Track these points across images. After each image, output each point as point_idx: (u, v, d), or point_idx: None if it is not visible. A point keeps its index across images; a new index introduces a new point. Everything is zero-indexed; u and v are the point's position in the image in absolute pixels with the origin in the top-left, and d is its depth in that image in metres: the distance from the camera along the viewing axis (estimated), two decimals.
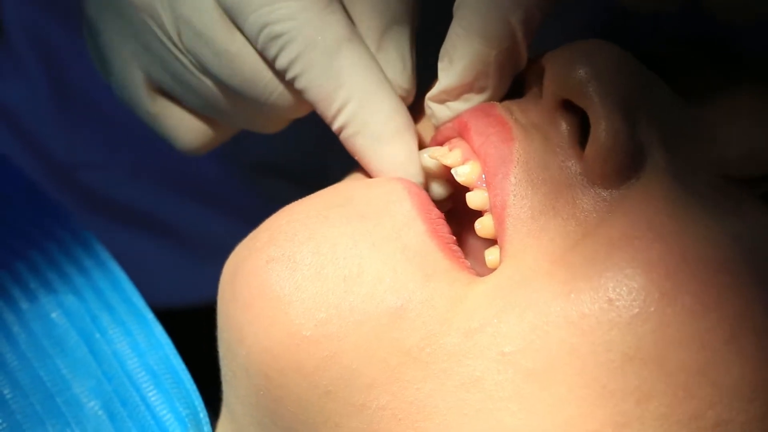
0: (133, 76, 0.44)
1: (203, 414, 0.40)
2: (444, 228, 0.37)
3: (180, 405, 0.40)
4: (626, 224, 0.34)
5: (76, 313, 0.42)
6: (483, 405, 0.34)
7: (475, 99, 0.39)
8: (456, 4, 0.38)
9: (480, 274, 0.37)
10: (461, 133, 0.38)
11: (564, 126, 0.37)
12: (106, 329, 0.42)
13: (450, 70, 0.38)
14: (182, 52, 0.41)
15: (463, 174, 0.38)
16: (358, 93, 0.39)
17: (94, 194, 0.68)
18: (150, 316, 0.42)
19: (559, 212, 0.36)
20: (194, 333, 0.43)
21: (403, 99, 0.40)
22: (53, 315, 0.42)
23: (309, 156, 0.62)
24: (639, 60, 0.37)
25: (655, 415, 0.33)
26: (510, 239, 0.36)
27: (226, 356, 0.39)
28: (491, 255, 0.37)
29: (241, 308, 0.37)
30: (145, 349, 0.41)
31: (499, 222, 0.36)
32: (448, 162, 0.39)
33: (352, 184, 0.39)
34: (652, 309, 0.33)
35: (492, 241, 0.37)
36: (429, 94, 0.39)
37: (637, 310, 0.33)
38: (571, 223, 0.35)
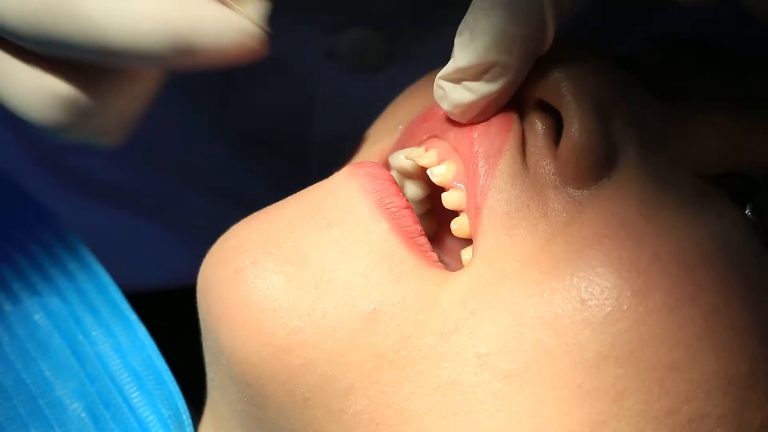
0: None
1: (186, 415, 0.40)
2: (408, 219, 0.37)
3: (163, 406, 0.40)
4: (598, 223, 0.35)
5: (60, 315, 0.43)
6: (460, 407, 0.34)
7: (498, 82, 0.36)
8: None
9: (452, 269, 0.37)
10: (442, 130, 0.38)
11: (539, 126, 0.37)
12: (89, 331, 0.42)
13: (470, 47, 0.35)
14: None
15: (438, 174, 0.38)
16: (119, 25, 0.33)
17: (81, 176, 0.68)
18: (133, 317, 0.43)
19: (531, 211, 0.36)
20: (181, 312, 0.43)
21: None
22: (36, 317, 0.42)
23: (293, 125, 0.62)
24: (615, 61, 0.38)
25: (632, 412, 0.33)
26: (483, 235, 0.36)
27: (211, 363, 0.39)
28: (467, 255, 0.37)
29: (216, 319, 0.37)
30: (128, 350, 0.42)
31: (476, 215, 0.36)
32: (424, 162, 0.38)
33: (315, 190, 0.39)
34: (625, 307, 0.33)
35: (468, 242, 0.37)
36: (442, 73, 0.36)
37: (609, 309, 0.33)
38: (541, 222, 0.35)
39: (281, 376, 0.35)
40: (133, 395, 0.40)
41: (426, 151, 0.39)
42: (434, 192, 0.40)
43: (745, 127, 0.38)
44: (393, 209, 0.37)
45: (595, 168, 0.36)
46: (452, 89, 0.37)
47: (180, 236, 0.69)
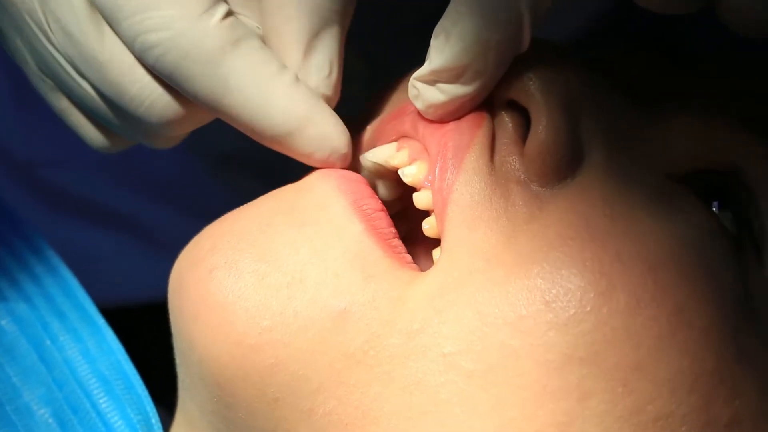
0: (32, 72, 0.42)
1: (155, 419, 0.40)
2: (383, 221, 0.37)
3: (131, 411, 0.40)
4: (562, 224, 0.35)
5: (27, 320, 0.42)
6: (427, 407, 0.34)
7: (472, 85, 0.36)
8: None
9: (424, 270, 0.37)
10: (413, 128, 0.38)
11: (509, 124, 0.37)
12: (56, 336, 0.42)
13: (445, 49, 0.36)
14: (58, 51, 0.39)
15: (410, 174, 0.38)
16: (248, 98, 0.37)
17: (54, 191, 0.68)
18: (101, 321, 0.42)
19: (494, 205, 0.36)
20: (157, 329, 0.43)
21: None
22: (3, 323, 0.42)
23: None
24: (588, 62, 0.38)
25: (597, 412, 0.33)
26: (448, 230, 0.36)
27: (181, 364, 0.39)
28: (438, 254, 0.37)
29: (188, 318, 0.37)
30: (96, 355, 0.41)
31: (442, 209, 0.36)
32: (395, 163, 0.39)
33: (290, 189, 0.39)
34: (588, 309, 0.33)
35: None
36: (417, 74, 0.37)
37: (573, 310, 0.33)
38: (502, 218, 0.36)
39: (252, 375, 0.35)
40: (101, 400, 0.40)
41: (397, 151, 0.39)
42: (406, 192, 0.40)
43: (713, 128, 0.38)
44: (368, 211, 0.37)
45: (561, 166, 0.36)
46: (426, 89, 0.37)
47: (155, 252, 0.69)
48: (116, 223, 0.69)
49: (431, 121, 0.38)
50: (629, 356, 0.33)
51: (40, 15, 0.38)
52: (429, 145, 0.38)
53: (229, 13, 0.37)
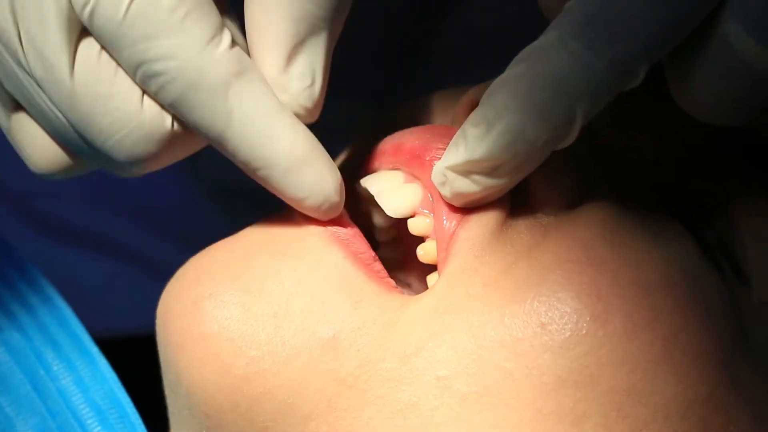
0: None
1: None
2: (360, 245, 0.37)
3: None
4: (561, 248, 0.35)
5: (21, 350, 0.42)
6: (420, 430, 0.34)
7: (506, 178, 0.35)
8: (506, 79, 0.34)
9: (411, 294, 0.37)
10: (415, 157, 0.38)
11: None
12: (50, 365, 0.42)
13: (486, 141, 0.34)
14: (26, 71, 0.36)
15: (419, 228, 0.38)
16: (251, 131, 0.35)
17: (50, 222, 0.68)
18: (95, 350, 0.42)
19: (495, 234, 0.36)
20: (151, 359, 0.43)
21: (305, 116, 0.36)
22: None
23: None
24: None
25: None
26: (453, 259, 0.36)
27: (170, 396, 0.39)
28: (433, 280, 0.38)
29: (174, 349, 0.37)
30: (90, 384, 0.41)
31: (448, 242, 0.36)
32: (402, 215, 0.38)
33: (272, 220, 0.39)
34: (584, 332, 0.33)
35: (435, 267, 0.38)
36: (449, 162, 0.35)
37: (569, 333, 0.33)
38: (506, 245, 0.36)
39: (241, 405, 0.35)
40: (95, 430, 0.40)
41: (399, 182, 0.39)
42: (400, 219, 0.40)
43: (694, 162, 0.38)
44: (342, 236, 0.37)
45: (563, 194, 0.36)
46: (456, 179, 0.35)
47: (152, 281, 0.69)
48: (112, 252, 0.69)
49: (423, 161, 0.38)
50: (624, 380, 0.33)
51: (12, 31, 0.35)
52: (422, 177, 0.38)
53: (234, 42, 0.36)
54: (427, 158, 0.37)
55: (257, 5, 0.36)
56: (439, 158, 0.36)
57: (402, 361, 0.34)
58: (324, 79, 0.36)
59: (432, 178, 0.36)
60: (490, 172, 0.34)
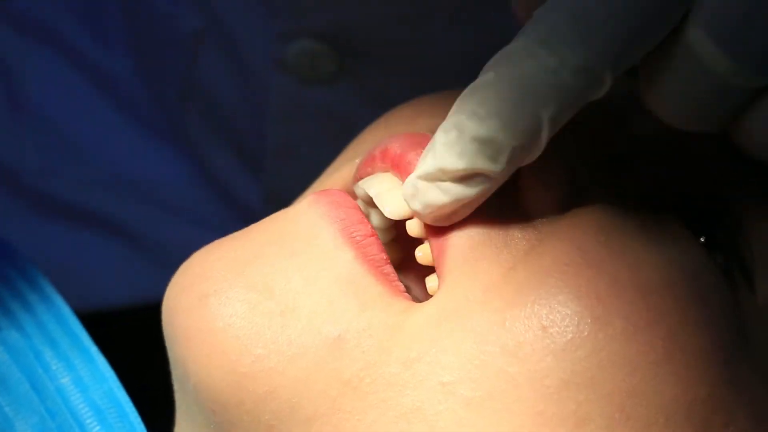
0: None
1: None
2: (374, 248, 0.37)
3: None
4: (558, 251, 0.35)
5: (19, 349, 0.42)
6: None
7: (478, 187, 0.34)
8: (475, 86, 0.34)
9: (418, 298, 0.37)
10: (396, 165, 0.38)
11: None
12: (48, 364, 0.42)
13: (456, 149, 0.34)
14: None
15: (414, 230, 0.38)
16: None
17: (44, 198, 0.68)
18: (94, 349, 0.42)
19: (493, 240, 0.36)
20: (148, 331, 0.43)
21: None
22: None
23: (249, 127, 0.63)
24: None
25: None
26: (449, 267, 0.36)
27: (179, 390, 0.39)
28: (431, 282, 0.38)
29: (181, 344, 0.37)
30: (89, 383, 0.41)
31: (439, 250, 0.36)
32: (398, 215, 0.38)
33: (280, 218, 0.39)
34: (585, 334, 0.33)
35: (433, 269, 0.38)
36: (421, 171, 0.35)
37: (570, 335, 0.33)
38: (503, 251, 0.36)
39: (246, 402, 0.35)
40: (94, 429, 0.40)
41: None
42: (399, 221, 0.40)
43: (692, 162, 0.38)
44: (358, 238, 0.37)
45: (559, 198, 0.36)
46: (427, 188, 0.35)
47: (146, 255, 0.69)
48: (109, 230, 0.69)
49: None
50: (626, 382, 0.33)
51: None
52: None
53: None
54: (408, 164, 0.37)
55: None
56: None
57: (406, 366, 0.34)
58: None
59: (402, 191, 0.36)
60: (460, 179, 0.34)
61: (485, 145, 0.33)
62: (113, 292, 0.68)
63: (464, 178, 0.34)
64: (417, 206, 0.35)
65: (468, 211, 0.36)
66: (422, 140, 0.37)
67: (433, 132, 0.35)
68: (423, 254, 0.37)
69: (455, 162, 0.34)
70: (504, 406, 0.33)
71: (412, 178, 0.35)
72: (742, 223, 0.37)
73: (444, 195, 0.35)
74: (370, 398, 0.34)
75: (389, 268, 0.37)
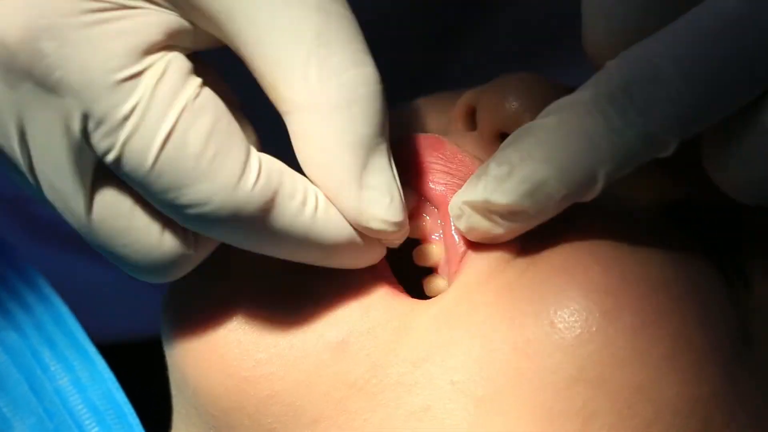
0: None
1: None
2: None
3: None
4: (566, 252, 0.35)
5: (18, 350, 0.42)
6: None
7: (522, 222, 0.35)
8: (535, 127, 0.33)
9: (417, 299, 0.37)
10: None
11: None
12: (47, 365, 0.41)
13: (506, 185, 0.33)
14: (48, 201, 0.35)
15: (429, 256, 0.38)
16: (298, 241, 0.34)
17: (48, 226, 0.68)
18: (92, 350, 0.42)
19: (510, 248, 0.36)
20: (151, 364, 0.43)
21: (399, 233, 0.35)
22: None
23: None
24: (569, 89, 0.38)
25: None
26: (465, 272, 0.36)
27: (177, 395, 0.39)
28: (431, 284, 0.38)
29: (181, 351, 0.37)
30: (88, 384, 0.41)
31: (454, 253, 0.36)
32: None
33: None
34: (594, 329, 0.33)
35: (426, 269, 0.38)
36: (467, 197, 0.35)
37: (579, 331, 0.33)
38: (513, 254, 0.36)
39: (247, 407, 0.35)
40: (93, 430, 0.40)
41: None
42: None
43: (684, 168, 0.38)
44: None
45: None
46: (473, 215, 0.35)
47: (153, 287, 0.69)
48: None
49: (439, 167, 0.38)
50: (633, 377, 0.33)
51: (24, 167, 0.34)
52: (429, 192, 0.38)
53: (260, 161, 0.33)
54: (419, 166, 0.38)
55: (310, 145, 0.34)
56: (429, 171, 0.37)
57: (414, 366, 0.34)
58: (398, 187, 0.35)
59: (449, 209, 0.36)
60: (506, 215, 0.34)
61: (537, 188, 0.33)
62: (123, 323, 0.67)
63: (511, 214, 0.34)
64: (462, 227, 0.36)
65: (506, 239, 0.36)
66: (435, 143, 0.38)
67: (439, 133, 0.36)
68: (424, 255, 0.38)
69: (502, 198, 0.34)
70: (514, 403, 0.33)
71: (458, 201, 0.35)
72: (741, 223, 0.37)
73: (488, 224, 0.35)
74: (378, 398, 0.34)
75: (388, 270, 0.37)
